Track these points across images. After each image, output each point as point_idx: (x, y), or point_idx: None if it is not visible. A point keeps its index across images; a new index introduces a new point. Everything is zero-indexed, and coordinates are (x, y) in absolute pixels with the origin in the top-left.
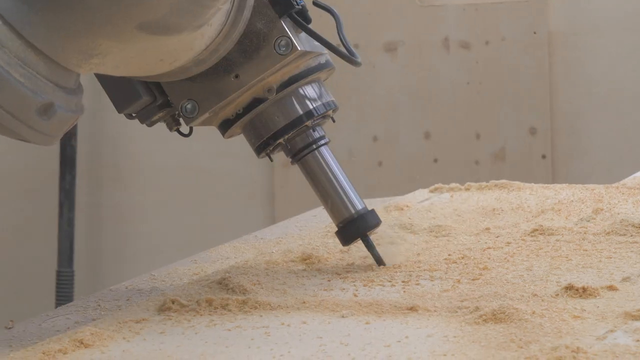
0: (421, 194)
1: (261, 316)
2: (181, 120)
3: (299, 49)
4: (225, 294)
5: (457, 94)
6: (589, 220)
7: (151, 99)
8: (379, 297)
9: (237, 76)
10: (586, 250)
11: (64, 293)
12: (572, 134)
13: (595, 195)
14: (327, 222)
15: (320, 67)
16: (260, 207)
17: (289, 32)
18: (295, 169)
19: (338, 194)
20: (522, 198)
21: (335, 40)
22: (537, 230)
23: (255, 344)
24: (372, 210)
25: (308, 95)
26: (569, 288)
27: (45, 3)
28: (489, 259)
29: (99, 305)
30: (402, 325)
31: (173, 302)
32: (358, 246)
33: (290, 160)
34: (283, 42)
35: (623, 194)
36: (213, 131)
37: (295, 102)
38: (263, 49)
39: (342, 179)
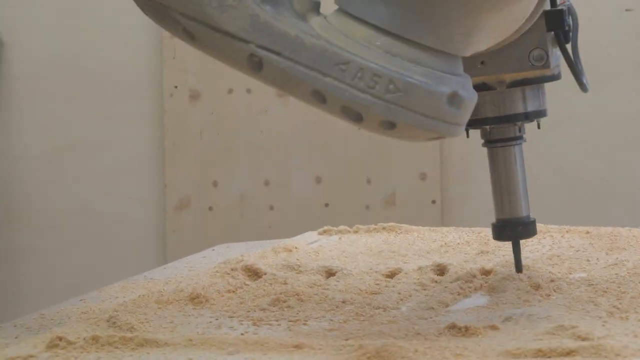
0: (310, 236)
1: (148, 353)
2: None
3: (551, 66)
4: (113, 332)
5: (349, 139)
6: (474, 262)
7: None
8: (266, 335)
9: (482, 63)
10: (470, 290)
11: None
12: (461, 180)
13: (481, 238)
14: (216, 262)
15: (551, 79)
16: (152, 250)
17: (548, 47)
18: (189, 214)
19: (509, 193)
20: (409, 240)
21: None
22: (423, 270)
23: None
24: (534, 221)
25: (527, 99)
26: (452, 327)
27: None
28: (376, 299)
29: None
30: None
31: (60, 339)
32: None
33: (482, 142)
34: (537, 54)
35: None
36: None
37: (514, 101)
38: (517, 51)
39: (519, 180)
